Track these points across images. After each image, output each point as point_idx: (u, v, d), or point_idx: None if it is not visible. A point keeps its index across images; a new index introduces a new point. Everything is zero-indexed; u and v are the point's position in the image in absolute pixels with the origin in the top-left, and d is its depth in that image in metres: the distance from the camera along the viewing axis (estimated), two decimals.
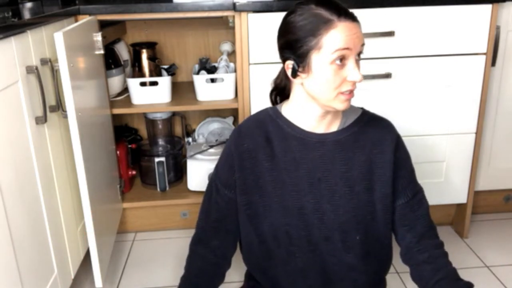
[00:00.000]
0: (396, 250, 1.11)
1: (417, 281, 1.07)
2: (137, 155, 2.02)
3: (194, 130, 2.15)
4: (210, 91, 1.79)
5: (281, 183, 1.05)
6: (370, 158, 1.04)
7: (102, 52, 1.57)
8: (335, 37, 0.91)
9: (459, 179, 1.76)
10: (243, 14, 1.55)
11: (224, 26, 2.03)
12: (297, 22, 0.94)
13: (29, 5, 1.71)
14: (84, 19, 1.51)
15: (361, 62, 1.00)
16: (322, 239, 1.05)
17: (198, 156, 1.91)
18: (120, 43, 1.96)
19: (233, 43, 1.87)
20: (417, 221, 1.06)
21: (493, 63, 1.66)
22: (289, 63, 0.98)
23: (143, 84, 1.78)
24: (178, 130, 2.19)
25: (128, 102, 1.82)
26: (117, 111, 1.77)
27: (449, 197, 1.79)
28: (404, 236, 1.07)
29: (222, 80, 1.78)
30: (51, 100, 1.31)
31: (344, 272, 1.08)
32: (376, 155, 1.04)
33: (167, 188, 1.96)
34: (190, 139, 2.13)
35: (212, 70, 1.90)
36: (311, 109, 1.02)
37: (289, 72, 0.99)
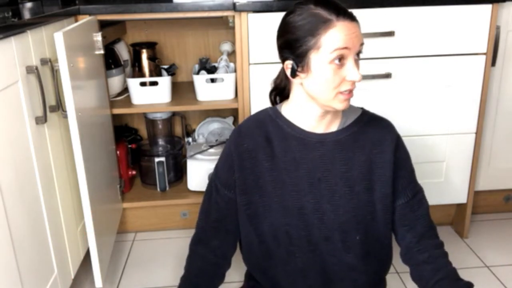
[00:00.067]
0: (396, 250, 1.11)
1: (417, 281, 1.07)
2: (137, 155, 2.02)
3: (194, 130, 2.15)
4: (210, 91, 1.79)
5: (281, 183, 1.05)
6: (370, 158, 1.04)
7: (102, 52, 1.57)
8: (334, 36, 0.91)
9: (459, 179, 1.76)
10: (243, 14, 1.55)
11: (224, 26, 2.03)
12: (296, 22, 0.94)
13: (29, 5, 1.71)
14: (84, 19, 1.51)
15: (361, 62, 1.00)
16: (322, 239, 1.05)
17: (198, 156, 1.91)
18: (120, 43, 1.96)
19: (233, 43, 1.87)
20: (417, 221, 1.06)
21: (493, 63, 1.66)
22: (288, 63, 0.98)
23: (143, 84, 1.78)
24: (178, 130, 2.19)
25: (128, 102, 1.82)
26: (117, 111, 1.77)
27: (449, 197, 1.79)
28: (404, 236, 1.07)
29: (222, 80, 1.78)
30: (51, 100, 1.31)
31: (344, 272, 1.08)
32: (376, 155, 1.04)
33: (167, 188, 1.96)
34: (190, 139, 2.13)
35: (212, 70, 1.90)
36: (311, 109, 1.02)
37: (288, 72, 0.99)
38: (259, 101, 1.63)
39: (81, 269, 1.55)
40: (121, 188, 1.84)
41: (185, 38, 2.11)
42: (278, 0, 1.53)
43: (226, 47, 2.02)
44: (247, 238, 1.12)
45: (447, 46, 1.60)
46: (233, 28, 1.64)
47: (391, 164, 1.04)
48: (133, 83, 1.77)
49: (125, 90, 1.91)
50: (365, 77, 1.56)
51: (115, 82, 1.86)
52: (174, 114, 2.09)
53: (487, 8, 1.57)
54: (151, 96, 1.79)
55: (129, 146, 1.97)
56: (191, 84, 1.99)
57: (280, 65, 1.04)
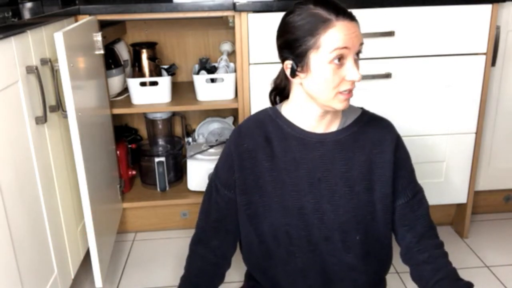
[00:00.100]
0: (396, 250, 1.11)
1: (417, 281, 1.07)
2: (137, 155, 2.02)
3: (194, 130, 2.15)
4: (210, 91, 1.79)
5: (281, 183, 1.05)
6: (370, 158, 1.04)
7: (102, 52, 1.57)
8: (333, 36, 0.91)
9: (459, 179, 1.76)
10: (243, 14, 1.55)
11: (224, 26, 2.03)
12: (296, 22, 0.94)
13: (29, 5, 1.71)
14: (84, 19, 1.51)
15: (361, 62, 1.00)
16: (322, 239, 1.05)
17: (198, 156, 1.91)
18: (120, 43, 1.96)
19: (233, 43, 1.87)
20: (417, 221, 1.06)
21: (493, 63, 1.66)
22: (288, 63, 0.98)
23: (143, 84, 1.78)
24: (178, 130, 2.19)
25: (128, 102, 1.82)
26: (117, 111, 1.77)
27: (449, 197, 1.79)
28: (404, 236, 1.07)
29: (222, 80, 1.78)
30: (51, 100, 1.31)
31: (344, 272, 1.08)
32: (376, 155, 1.04)
33: (167, 188, 1.96)
34: (190, 139, 2.13)
35: (212, 70, 1.90)
36: (311, 109, 1.02)
37: (288, 72, 0.99)
38: (259, 101, 1.63)
39: (81, 269, 1.55)
40: (121, 188, 1.84)
41: (185, 38, 2.11)
42: (278, 0, 1.53)
43: (226, 47, 2.02)
44: (247, 238, 1.12)
45: (447, 46, 1.60)
46: (233, 28, 1.64)
47: (391, 164, 1.04)
48: (133, 83, 1.77)
49: (125, 90, 1.91)
50: (365, 77, 1.56)
51: (115, 82, 1.86)
52: (174, 114, 2.09)
53: (487, 8, 1.57)
54: (151, 96, 1.79)
55: (129, 146, 1.97)
56: (191, 84, 1.99)
57: (280, 65, 1.04)
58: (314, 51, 0.93)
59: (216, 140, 2.02)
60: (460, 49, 1.61)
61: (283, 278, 1.11)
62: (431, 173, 1.73)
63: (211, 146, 1.95)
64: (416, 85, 1.63)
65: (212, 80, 1.79)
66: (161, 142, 2.06)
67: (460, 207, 1.87)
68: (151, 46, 1.92)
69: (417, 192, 1.08)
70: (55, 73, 1.30)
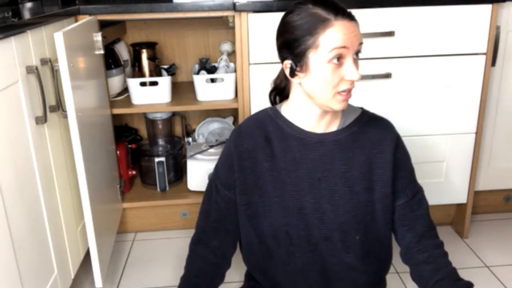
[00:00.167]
0: (396, 250, 1.11)
1: (417, 281, 1.07)
2: (137, 155, 2.02)
3: (194, 130, 2.15)
4: (210, 91, 1.79)
5: (281, 183, 1.05)
6: (369, 158, 1.04)
7: (102, 52, 1.58)
8: (332, 35, 0.91)
9: (459, 179, 1.76)
10: (243, 14, 1.55)
11: (224, 26, 2.03)
12: (295, 22, 0.95)
13: (29, 5, 1.71)
14: (84, 19, 1.51)
15: (361, 62, 1.00)
16: (322, 239, 1.05)
17: (198, 156, 1.91)
18: (120, 43, 1.96)
19: (233, 43, 1.87)
20: (417, 221, 1.06)
21: (493, 63, 1.66)
22: (287, 63, 0.98)
23: (143, 84, 1.78)
24: (178, 130, 2.19)
25: (128, 102, 1.82)
26: (117, 111, 1.77)
27: (449, 197, 1.79)
28: (404, 236, 1.07)
29: (222, 80, 1.78)
30: (51, 100, 1.31)
31: (344, 272, 1.08)
32: (375, 155, 1.04)
33: (167, 188, 1.96)
34: (190, 139, 2.13)
35: (212, 70, 1.90)
36: (310, 109, 1.02)
37: (287, 72, 0.99)
38: (259, 101, 1.63)
39: (81, 269, 1.55)
40: (121, 188, 1.84)
41: (185, 38, 2.11)
42: (278, 0, 1.53)
43: (226, 47, 2.02)
44: (247, 238, 1.12)
45: (447, 46, 1.60)
46: (233, 28, 1.64)
47: (391, 164, 1.04)
48: (133, 83, 1.77)
49: (125, 90, 1.91)
50: (365, 77, 1.56)
51: (115, 82, 1.86)
52: (174, 114, 2.09)
53: (487, 8, 1.57)
54: (151, 96, 1.79)
55: (129, 146, 1.97)
56: (191, 84, 1.99)
57: (280, 65, 1.04)
58: (313, 51, 0.93)
59: (216, 140, 2.02)
60: (460, 49, 1.61)
61: (283, 278, 1.11)
62: (431, 173, 1.73)
63: (211, 146, 1.95)
64: (416, 85, 1.63)
65: (212, 80, 1.79)
66: (161, 142, 2.06)
67: (460, 207, 1.87)
68: (151, 46, 1.92)
69: (417, 192, 1.08)
70: (55, 73, 1.30)
